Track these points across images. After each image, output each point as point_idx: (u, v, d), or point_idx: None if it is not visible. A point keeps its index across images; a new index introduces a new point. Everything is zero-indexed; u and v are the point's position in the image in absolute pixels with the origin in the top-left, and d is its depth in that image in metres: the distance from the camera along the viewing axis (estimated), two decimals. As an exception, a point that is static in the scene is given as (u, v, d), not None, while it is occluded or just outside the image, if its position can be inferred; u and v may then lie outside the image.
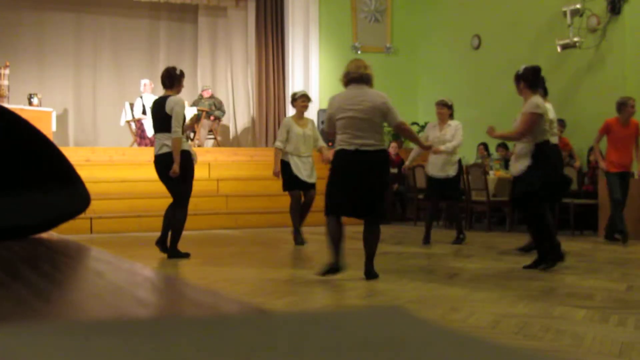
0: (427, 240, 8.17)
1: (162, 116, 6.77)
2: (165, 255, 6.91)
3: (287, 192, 8.09)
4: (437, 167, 8.12)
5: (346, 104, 5.49)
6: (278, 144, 8.10)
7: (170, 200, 6.99)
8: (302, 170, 7.99)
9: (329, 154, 7.55)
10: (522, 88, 6.10)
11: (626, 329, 3.76)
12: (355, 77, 5.52)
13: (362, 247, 5.58)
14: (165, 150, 6.73)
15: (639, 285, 5.26)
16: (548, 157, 6.01)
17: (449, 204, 8.56)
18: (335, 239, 5.49)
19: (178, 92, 6.94)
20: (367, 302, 4.68)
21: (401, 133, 6.40)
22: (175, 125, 6.69)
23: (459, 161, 8.33)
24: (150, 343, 0.31)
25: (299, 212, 8.11)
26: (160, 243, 7.02)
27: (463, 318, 4.09)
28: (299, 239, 8.07)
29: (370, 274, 5.56)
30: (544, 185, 5.95)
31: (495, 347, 0.31)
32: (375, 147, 5.46)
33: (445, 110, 8.14)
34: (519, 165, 6.09)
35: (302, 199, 8.15)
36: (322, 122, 13.06)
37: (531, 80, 6.05)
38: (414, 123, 12.58)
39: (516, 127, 6.10)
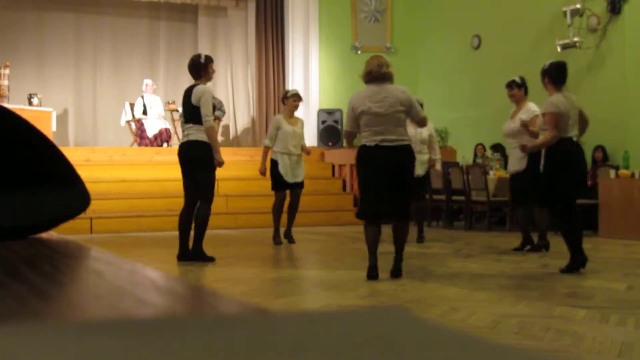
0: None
1: (188, 106, 6.46)
2: (169, 257, 6.80)
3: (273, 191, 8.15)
4: None
5: (369, 101, 5.47)
6: (266, 141, 8.13)
7: (179, 203, 6.79)
8: (289, 169, 8.00)
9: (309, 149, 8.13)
10: (547, 83, 6.06)
11: (626, 329, 3.76)
12: (377, 76, 5.52)
13: (364, 246, 5.57)
14: (184, 140, 6.51)
15: (639, 285, 5.26)
16: (566, 154, 5.91)
17: (420, 203, 8.46)
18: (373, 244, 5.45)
19: (208, 79, 6.57)
20: (367, 302, 4.68)
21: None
22: (206, 114, 6.34)
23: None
24: (150, 343, 0.31)
25: (280, 212, 8.15)
26: (182, 254, 6.61)
27: (463, 318, 4.09)
28: (277, 239, 8.14)
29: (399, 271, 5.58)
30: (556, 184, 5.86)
31: (495, 347, 0.31)
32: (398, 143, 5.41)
33: None
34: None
35: (288, 198, 8.22)
36: (323, 122, 13.11)
37: (555, 75, 5.99)
38: (414, 123, 12.58)
39: (548, 132, 5.97)
